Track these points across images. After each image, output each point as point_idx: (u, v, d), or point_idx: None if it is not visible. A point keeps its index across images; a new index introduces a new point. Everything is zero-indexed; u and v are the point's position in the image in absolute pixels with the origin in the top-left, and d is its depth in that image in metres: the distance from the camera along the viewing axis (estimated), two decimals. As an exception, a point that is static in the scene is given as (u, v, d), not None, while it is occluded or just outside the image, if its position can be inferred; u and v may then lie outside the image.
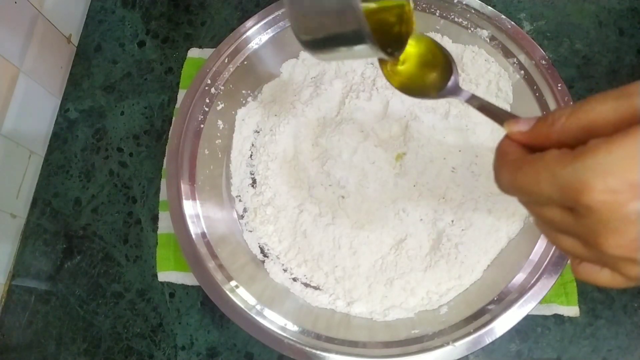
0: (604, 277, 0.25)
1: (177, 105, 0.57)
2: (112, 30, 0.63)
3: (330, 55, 0.33)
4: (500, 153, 0.26)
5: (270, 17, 0.53)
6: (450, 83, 0.34)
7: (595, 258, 0.24)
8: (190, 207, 0.48)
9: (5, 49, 0.52)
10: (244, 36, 0.53)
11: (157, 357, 0.50)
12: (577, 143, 0.22)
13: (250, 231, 0.52)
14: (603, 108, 0.22)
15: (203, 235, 0.47)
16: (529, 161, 0.24)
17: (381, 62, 0.36)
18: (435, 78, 0.35)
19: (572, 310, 0.47)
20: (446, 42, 0.53)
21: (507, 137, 0.27)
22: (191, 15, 0.63)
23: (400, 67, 0.36)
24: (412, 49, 0.35)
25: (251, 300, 0.45)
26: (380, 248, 0.49)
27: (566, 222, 0.23)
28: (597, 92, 0.23)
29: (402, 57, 0.35)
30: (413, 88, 0.36)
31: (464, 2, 0.52)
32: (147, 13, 0.64)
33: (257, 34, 0.53)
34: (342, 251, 0.48)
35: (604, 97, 0.22)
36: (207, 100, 0.52)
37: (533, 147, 0.25)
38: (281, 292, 0.49)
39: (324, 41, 0.31)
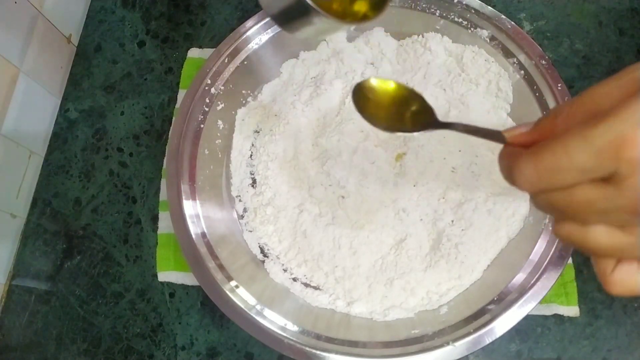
0: None
1: (177, 105, 0.57)
2: (112, 30, 0.63)
3: (303, 31, 0.35)
4: (508, 154, 0.25)
5: (270, 17, 0.53)
6: (431, 119, 0.33)
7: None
8: (190, 207, 0.48)
9: (5, 49, 0.52)
10: (244, 36, 0.53)
11: (157, 357, 0.50)
12: None
13: (250, 231, 0.52)
14: (606, 89, 0.21)
15: (203, 235, 0.47)
16: (552, 139, 0.21)
17: (355, 101, 0.36)
18: (411, 118, 0.35)
19: (572, 310, 0.47)
20: (446, 42, 0.54)
21: (507, 145, 0.26)
22: (191, 15, 0.63)
23: (372, 108, 0.36)
24: (382, 94, 0.35)
25: (251, 300, 0.45)
26: (380, 248, 0.49)
27: (603, 196, 0.21)
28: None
29: (373, 98, 0.35)
30: (389, 126, 0.35)
31: (464, 2, 0.52)
32: (147, 13, 0.64)
33: (257, 34, 0.53)
34: (342, 251, 0.48)
35: (605, 81, 0.21)
36: (207, 100, 0.52)
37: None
38: (281, 292, 0.49)
39: (283, 15, 0.34)
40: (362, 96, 0.35)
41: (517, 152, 0.24)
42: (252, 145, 0.55)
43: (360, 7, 0.36)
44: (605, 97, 0.21)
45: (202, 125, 0.51)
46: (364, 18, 0.36)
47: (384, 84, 0.35)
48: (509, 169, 0.24)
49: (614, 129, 0.19)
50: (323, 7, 0.31)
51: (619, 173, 0.20)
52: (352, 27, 0.39)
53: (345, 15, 0.35)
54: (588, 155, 0.20)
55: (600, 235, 0.22)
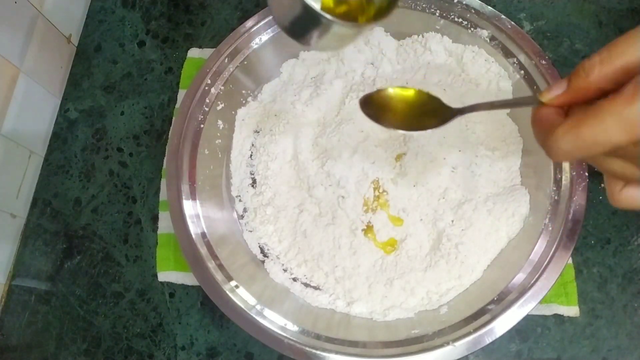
0: None
1: (177, 105, 0.57)
2: (112, 30, 0.63)
3: (318, 43, 0.34)
4: (542, 119, 0.27)
5: (270, 17, 0.53)
6: (452, 114, 0.35)
7: None
8: (190, 207, 0.48)
9: (5, 49, 0.52)
10: (244, 36, 0.53)
11: (157, 357, 0.50)
12: (616, 85, 0.23)
13: (250, 231, 0.52)
14: (634, 50, 0.23)
15: (203, 235, 0.47)
16: (589, 115, 0.23)
17: (366, 110, 0.36)
18: (428, 117, 0.36)
19: (572, 310, 0.47)
20: (446, 42, 0.53)
21: (543, 106, 0.28)
22: (191, 15, 0.63)
23: (387, 115, 0.36)
24: (398, 101, 0.36)
25: (251, 300, 0.45)
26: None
27: (634, 151, 0.24)
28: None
29: (385, 106, 0.36)
30: (409, 126, 0.36)
31: (464, 2, 0.51)
32: (147, 13, 0.64)
33: (257, 34, 0.53)
34: (342, 251, 0.48)
35: (632, 39, 0.23)
36: (207, 100, 0.52)
37: (573, 104, 0.26)
38: (281, 292, 0.49)
39: (295, 26, 0.33)
40: (373, 106, 0.36)
41: (551, 119, 0.27)
42: (252, 145, 0.55)
43: (366, 15, 0.36)
44: (635, 58, 0.23)
45: (202, 125, 0.51)
46: (374, 18, 0.36)
47: (390, 92, 0.36)
48: (545, 139, 0.26)
49: None
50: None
51: None
52: (370, 28, 0.38)
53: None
54: (623, 132, 0.22)
55: (616, 166, 0.26)
